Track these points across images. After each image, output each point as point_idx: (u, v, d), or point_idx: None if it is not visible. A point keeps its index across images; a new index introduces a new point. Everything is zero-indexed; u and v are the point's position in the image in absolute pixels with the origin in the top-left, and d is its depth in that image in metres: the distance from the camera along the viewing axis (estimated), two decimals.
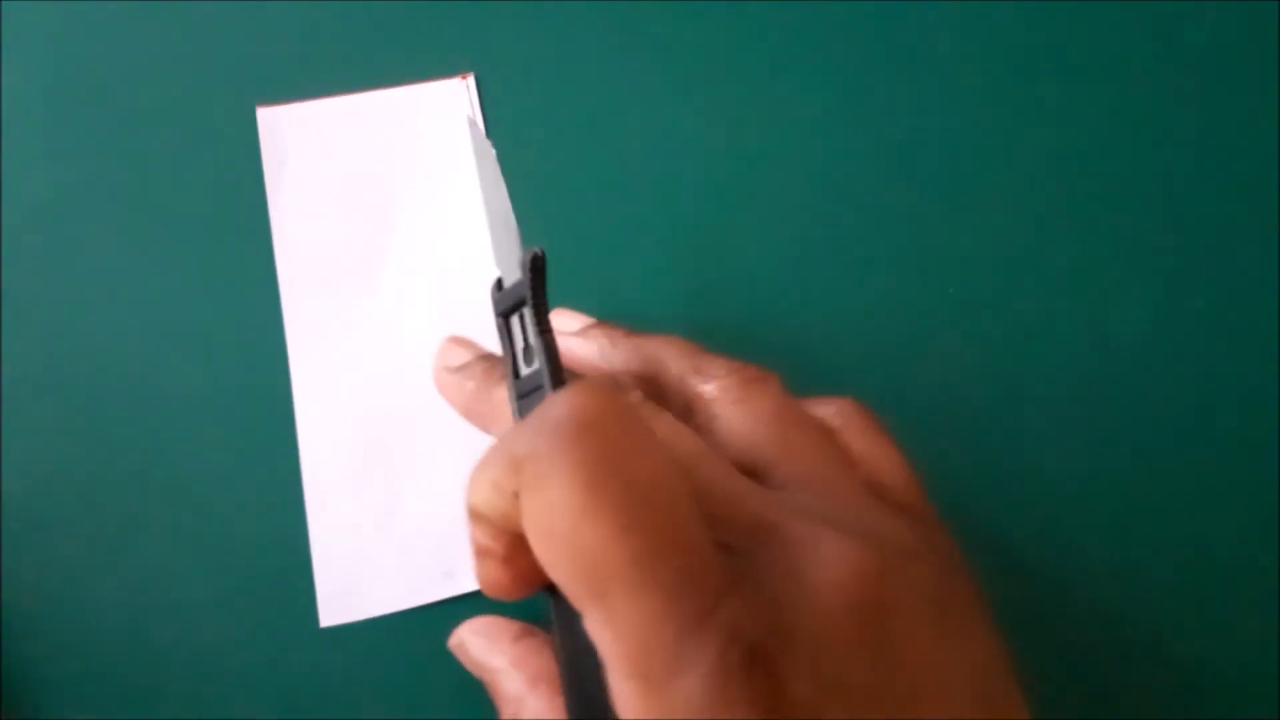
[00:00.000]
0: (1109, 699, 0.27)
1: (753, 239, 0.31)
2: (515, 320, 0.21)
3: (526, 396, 0.21)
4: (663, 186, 0.31)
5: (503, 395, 0.23)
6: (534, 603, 0.22)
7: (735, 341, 0.28)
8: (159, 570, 0.27)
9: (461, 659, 0.24)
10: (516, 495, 0.17)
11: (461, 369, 0.26)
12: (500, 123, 0.31)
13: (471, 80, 0.32)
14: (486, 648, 0.23)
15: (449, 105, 0.31)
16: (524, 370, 0.21)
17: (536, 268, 0.19)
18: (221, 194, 0.30)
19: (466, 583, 0.27)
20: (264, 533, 0.27)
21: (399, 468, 0.28)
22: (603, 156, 0.31)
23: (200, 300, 0.29)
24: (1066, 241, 0.31)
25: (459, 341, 0.27)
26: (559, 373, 0.19)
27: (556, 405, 0.17)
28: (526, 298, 0.20)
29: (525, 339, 0.21)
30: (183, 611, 0.26)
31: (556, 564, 0.16)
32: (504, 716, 0.22)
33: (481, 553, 0.20)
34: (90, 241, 0.29)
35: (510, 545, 0.19)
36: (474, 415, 0.25)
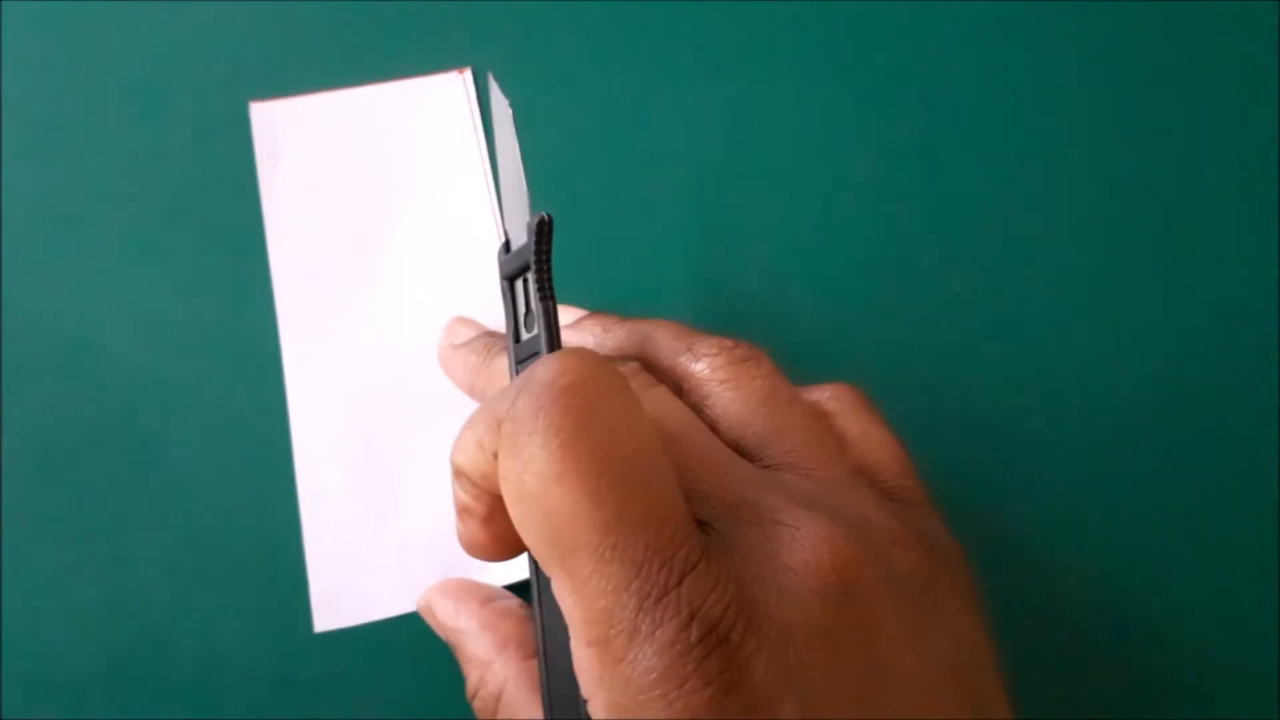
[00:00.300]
0: (1107, 697, 0.27)
1: (756, 235, 0.30)
2: (519, 284, 0.21)
3: (524, 362, 0.21)
4: (662, 184, 0.31)
5: (503, 365, 0.23)
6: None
7: (735, 336, 0.28)
8: (152, 572, 0.26)
9: (429, 622, 0.24)
10: (497, 455, 0.17)
11: (465, 344, 0.26)
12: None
13: (469, 74, 0.31)
14: (454, 610, 0.23)
15: (446, 100, 0.31)
16: (524, 335, 0.21)
17: (542, 232, 0.19)
18: (214, 192, 0.29)
19: None
20: (258, 536, 0.27)
21: (395, 471, 0.27)
22: (601, 153, 0.31)
23: (193, 300, 0.29)
24: (1072, 240, 0.31)
25: (464, 321, 0.27)
26: (556, 338, 0.19)
27: (542, 368, 0.17)
28: (530, 261, 0.20)
29: (527, 303, 0.21)
30: (176, 613, 0.26)
31: (528, 526, 0.16)
32: (470, 680, 0.22)
33: (463, 511, 0.20)
34: (81, 239, 0.29)
35: (491, 505, 0.19)
36: (475, 389, 0.25)
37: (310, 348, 0.28)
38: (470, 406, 0.26)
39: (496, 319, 0.28)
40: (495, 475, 0.17)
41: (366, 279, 0.29)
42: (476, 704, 0.21)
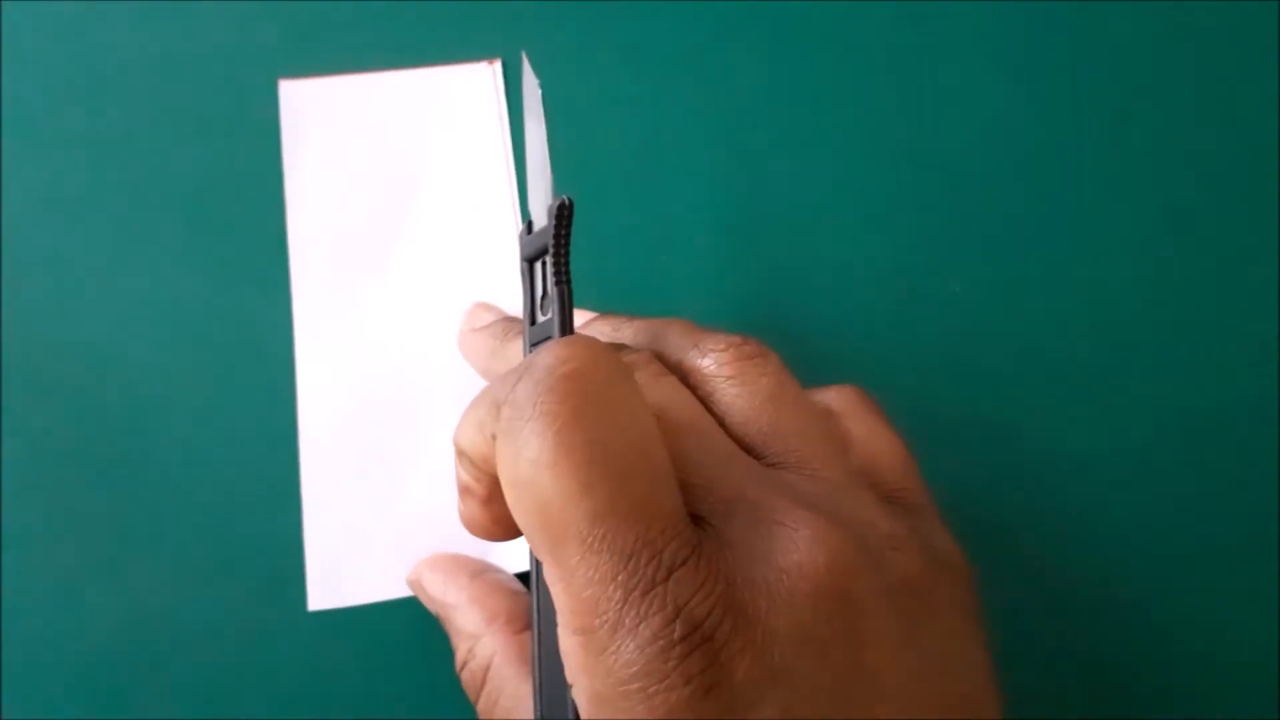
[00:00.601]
0: (1107, 698, 0.27)
1: (756, 236, 0.30)
2: (538, 267, 0.21)
3: (537, 345, 0.21)
4: (671, 185, 0.31)
5: (518, 348, 0.23)
6: None
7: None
8: (150, 546, 0.26)
9: (419, 595, 0.24)
10: (496, 438, 0.17)
11: (484, 328, 0.26)
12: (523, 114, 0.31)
13: (499, 66, 0.31)
14: (442, 584, 0.23)
15: (474, 90, 0.31)
16: (540, 319, 0.21)
17: (562, 216, 0.19)
18: (238, 167, 0.30)
19: None
20: (258, 513, 0.27)
21: (399, 454, 0.27)
22: (628, 154, 0.31)
23: (208, 276, 0.29)
24: (1073, 239, 0.31)
25: (484, 305, 0.28)
26: (569, 324, 0.19)
27: (545, 354, 0.17)
28: (549, 245, 0.20)
29: (545, 286, 0.21)
30: (171, 586, 0.26)
31: (521, 511, 0.16)
32: (459, 653, 0.22)
33: (463, 491, 0.20)
34: (99, 218, 0.29)
35: (490, 487, 0.19)
36: (490, 372, 0.25)
37: (323, 331, 0.28)
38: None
39: (512, 310, 0.28)
40: (494, 458, 0.17)
41: (383, 265, 0.29)
42: (465, 675, 0.22)
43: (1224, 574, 0.28)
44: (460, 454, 0.19)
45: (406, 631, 0.26)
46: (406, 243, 0.29)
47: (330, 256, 0.29)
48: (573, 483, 0.15)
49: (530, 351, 0.21)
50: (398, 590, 0.26)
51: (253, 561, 0.26)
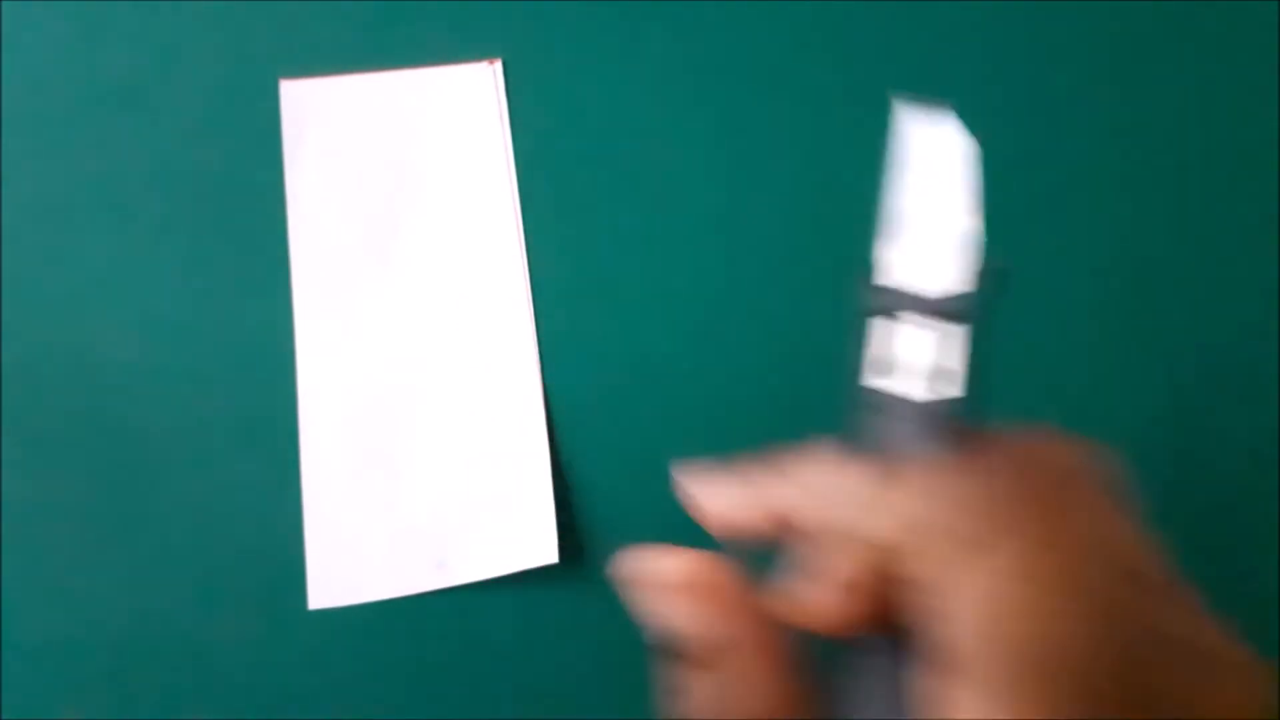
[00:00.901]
0: None
1: (753, 237, 0.30)
2: (889, 323, 0.19)
3: (897, 420, 0.18)
4: (678, 186, 0.31)
5: (814, 468, 0.18)
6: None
7: (742, 347, 0.28)
8: (150, 544, 0.26)
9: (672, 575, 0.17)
10: (944, 536, 0.15)
11: (725, 481, 0.19)
12: (523, 114, 0.31)
13: (499, 66, 0.31)
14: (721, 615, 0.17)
15: (474, 90, 0.31)
16: (875, 382, 0.18)
17: (998, 283, 0.18)
18: (238, 167, 0.30)
19: (458, 575, 0.26)
20: (257, 510, 0.27)
21: (399, 455, 0.27)
22: (625, 154, 0.31)
23: (209, 272, 0.29)
24: (1074, 239, 0.31)
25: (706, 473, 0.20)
26: (979, 411, 0.17)
27: (1028, 448, 0.15)
28: (970, 315, 0.18)
29: (900, 352, 0.18)
30: (174, 584, 0.26)
31: (973, 637, 0.14)
32: (716, 699, 0.17)
33: (836, 581, 0.16)
34: (101, 210, 0.29)
35: (880, 581, 0.16)
36: (774, 499, 0.18)
37: (323, 331, 0.28)
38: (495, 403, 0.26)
39: (503, 303, 0.28)
40: (909, 555, 0.15)
41: (383, 264, 0.29)
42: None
43: (1224, 574, 0.28)
44: (859, 547, 0.16)
45: (406, 631, 0.26)
46: (406, 242, 0.29)
47: (330, 256, 0.29)
48: (1067, 624, 0.14)
49: (890, 425, 0.18)
50: (398, 589, 0.26)
51: (253, 561, 0.26)
